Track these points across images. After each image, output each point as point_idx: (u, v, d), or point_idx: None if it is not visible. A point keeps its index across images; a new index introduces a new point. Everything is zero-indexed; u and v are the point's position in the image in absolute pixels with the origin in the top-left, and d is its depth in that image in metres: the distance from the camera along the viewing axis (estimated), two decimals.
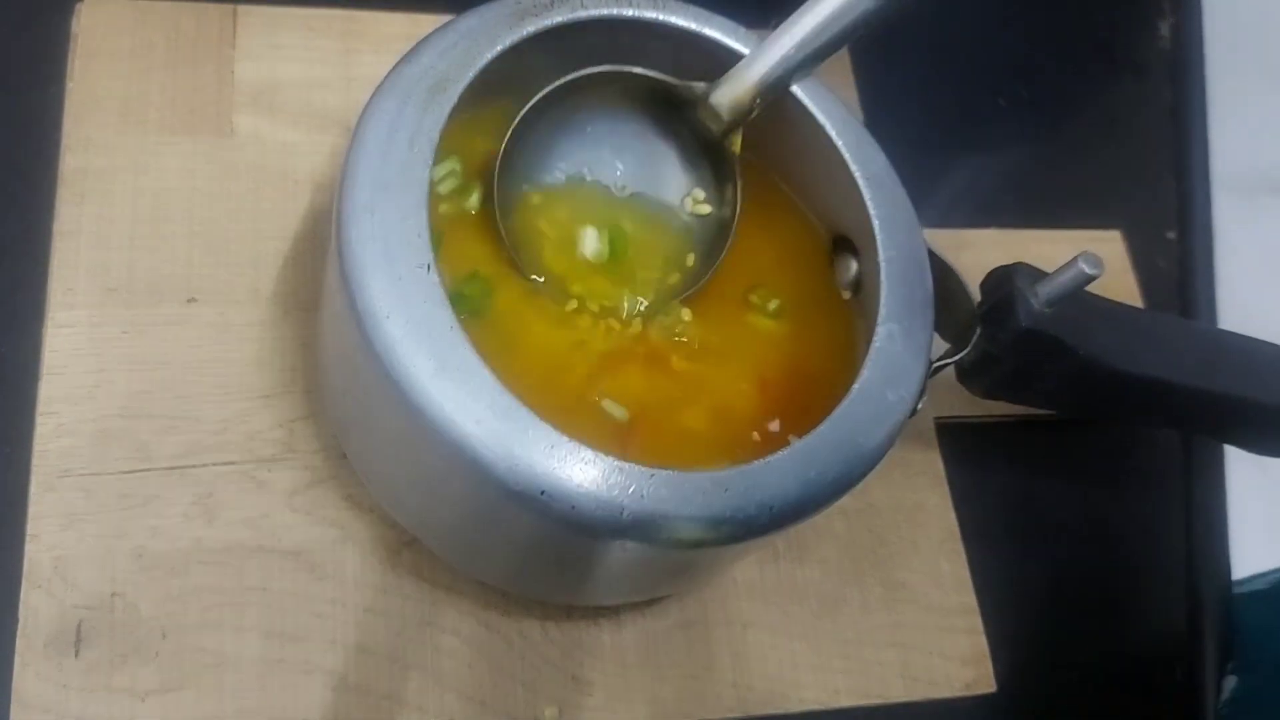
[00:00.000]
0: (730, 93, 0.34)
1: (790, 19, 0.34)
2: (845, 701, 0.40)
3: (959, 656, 0.42)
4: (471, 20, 0.33)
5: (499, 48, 0.32)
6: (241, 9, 0.46)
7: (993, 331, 0.37)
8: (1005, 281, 0.37)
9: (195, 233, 0.42)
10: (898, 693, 0.41)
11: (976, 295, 0.38)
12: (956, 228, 0.49)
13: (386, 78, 0.32)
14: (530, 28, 0.33)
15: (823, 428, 0.31)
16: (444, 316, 0.29)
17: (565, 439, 0.28)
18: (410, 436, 0.30)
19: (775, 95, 0.35)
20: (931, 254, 0.35)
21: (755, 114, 0.35)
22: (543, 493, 0.28)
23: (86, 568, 0.36)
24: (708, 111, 0.35)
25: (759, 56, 0.34)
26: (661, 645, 0.40)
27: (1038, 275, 0.36)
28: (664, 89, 0.35)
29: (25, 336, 0.39)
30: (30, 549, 0.36)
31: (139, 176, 0.42)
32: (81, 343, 0.39)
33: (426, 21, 0.47)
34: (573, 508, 0.28)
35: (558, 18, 0.33)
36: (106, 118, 0.43)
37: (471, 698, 0.37)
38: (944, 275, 0.36)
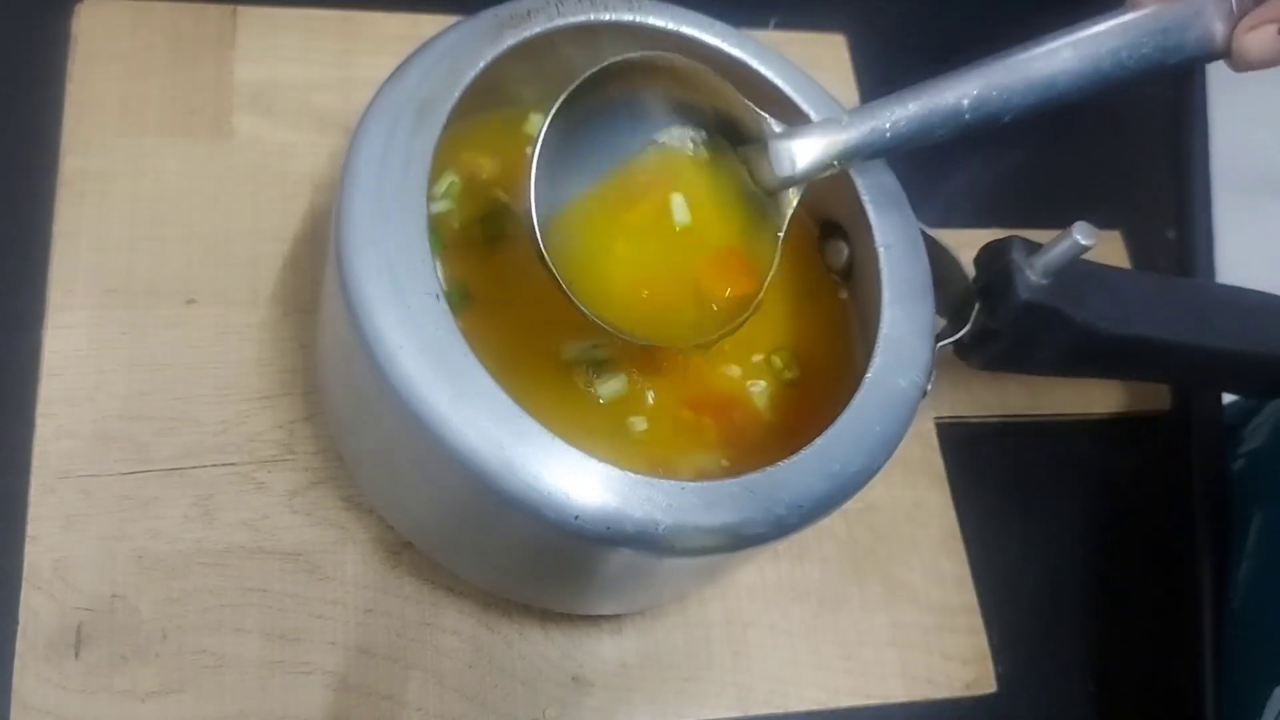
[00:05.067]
0: (816, 145, 0.32)
1: (914, 90, 0.32)
2: (845, 701, 0.40)
3: (959, 656, 0.42)
4: (451, 37, 0.33)
5: (482, 63, 0.32)
6: (241, 10, 0.46)
7: (991, 306, 0.37)
8: (1000, 256, 0.37)
9: (194, 234, 0.42)
10: (898, 693, 0.41)
11: (971, 271, 0.38)
12: (957, 228, 0.49)
13: (373, 101, 0.31)
14: (510, 40, 0.33)
15: (841, 420, 0.31)
16: (458, 344, 0.28)
17: (593, 460, 0.28)
18: (433, 467, 0.30)
19: (858, 163, 0.33)
20: (924, 234, 0.36)
21: (826, 176, 0.33)
22: (576, 517, 0.28)
23: (86, 569, 0.36)
24: (768, 155, 0.32)
25: (869, 115, 0.32)
26: (662, 645, 0.40)
27: (1032, 247, 0.37)
28: (724, 112, 0.32)
29: (25, 337, 0.39)
30: (30, 550, 0.36)
31: (138, 178, 0.42)
32: (81, 344, 0.39)
33: (425, 22, 0.48)
34: (608, 528, 0.28)
35: (536, 28, 0.33)
36: (106, 119, 0.43)
37: (472, 698, 0.37)
38: (938, 254, 0.36)
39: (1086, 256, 0.36)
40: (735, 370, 0.36)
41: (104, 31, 0.44)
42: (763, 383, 0.36)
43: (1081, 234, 0.34)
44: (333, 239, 0.30)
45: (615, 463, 0.29)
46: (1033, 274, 0.36)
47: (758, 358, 0.36)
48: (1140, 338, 0.39)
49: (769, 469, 0.30)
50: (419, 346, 0.28)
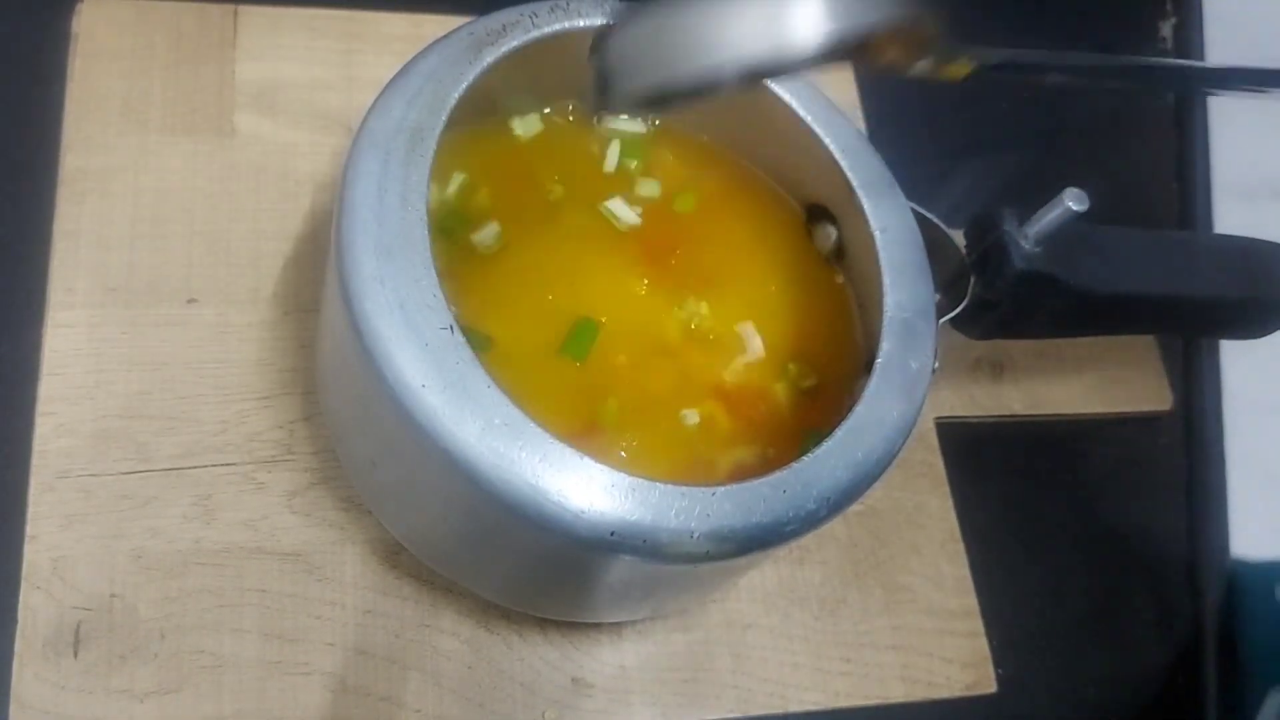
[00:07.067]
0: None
1: None
2: (845, 703, 0.40)
3: (959, 659, 0.42)
4: (431, 60, 0.33)
5: (464, 84, 0.32)
6: (243, 9, 0.46)
7: (988, 278, 0.37)
8: (992, 228, 0.37)
9: (195, 233, 0.42)
10: (898, 695, 0.41)
11: (962, 245, 0.38)
12: (958, 228, 0.49)
13: (361, 133, 0.31)
14: (490, 57, 0.32)
15: (859, 409, 0.31)
16: (479, 376, 0.28)
17: (626, 476, 0.28)
18: (465, 501, 0.30)
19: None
20: (915, 211, 0.36)
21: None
22: (613, 534, 0.28)
23: (85, 569, 0.36)
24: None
25: None
26: (661, 647, 0.40)
27: (1023, 216, 0.37)
28: None
29: (25, 336, 0.39)
30: (29, 549, 0.36)
31: (139, 176, 0.42)
32: (81, 343, 0.39)
33: (427, 22, 0.47)
34: (644, 541, 0.28)
35: (514, 41, 0.33)
36: (107, 117, 0.43)
37: (470, 699, 0.37)
38: (929, 230, 0.37)
39: None
40: (748, 363, 0.36)
41: (105, 30, 0.44)
42: (766, 363, 0.36)
43: (1073, 200, 0.35)
44: (339, 274, 0.29)
45: (645, 474, 0.29)
46: (1026, 243, 0.37)
47: (757, 345, 0.36)
48: (1132, 294, 0.39)
49: (795, 465, 0.30)
50: (442, 383, 0.28)
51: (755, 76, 0.25)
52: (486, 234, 0.35)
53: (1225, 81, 0.33)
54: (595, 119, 0.29)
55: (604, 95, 0.26)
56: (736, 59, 0.25)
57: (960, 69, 0.32)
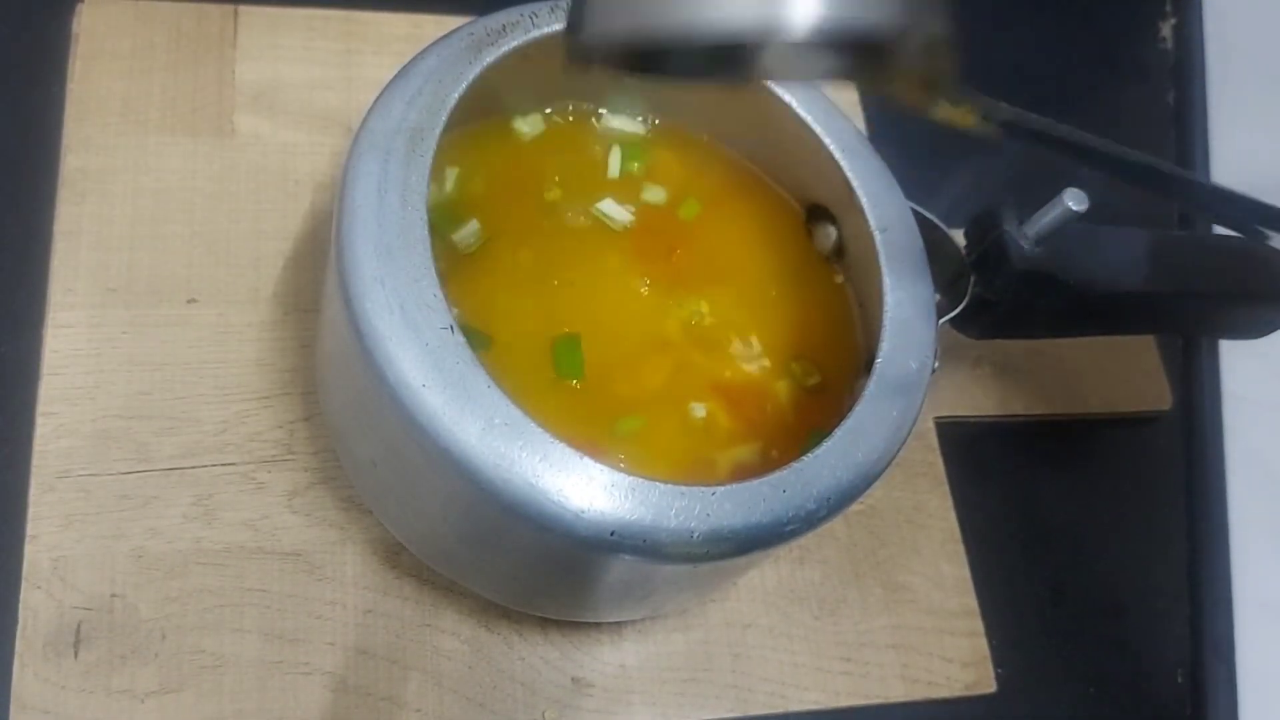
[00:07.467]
0: None
1: None
2: (846, 702, 0.40)
3: (959, 658, 0.42)
4: (431, 60, 0.33)
5: (464, 84, 0.32)
6: (242, 9, 0.46)
7: (987, 277, 0.37)
8: (991, 226, 0.37)
9: (196, 233, 0.42)
10: (898, 694, 0.41)
11: (961, 245, 0.39)
12: (958, 228, 0.49)
13: (360, 134, 0.31)
14: (489, 57, 0.33)
15: (859, 409, 0.31)
16: (479, 376, 0.28)
17: (626, 476, 0.28)
18: (465, 501, 0.30)
19: None
20: (915, 211, 0.36)
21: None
22: (613, 533, 0.28)
23: (86, 568, 0.36)
24: None
25: None
26: (661, 646, 0.40)
27: (1023, 215, 0.37)
28: None
29: (25, 336, 0.39)
30: (30, 549, 0.36)
31: (139, 176, 0.42)
32: (81, 343, 0.39)
33: (427, 22, 0.47)
34: (644, 541, 0.28)
35: (514, 41, 0.33)
36: (107, 118, 0.43)
37: (471, 699, 0.37)
38: (928, 230, 0.37)
39: None
40: (748, 362, 0.36)
41: (105, 30, 0.44)
42: (767, 362, 0.36)
43: (1073, 200, 0.35)
44: (339, 274, 0.29)
45: (644, 474, 0.29)
46: (1026, 243, 0.37)
47: (757, 343, 0.37)
48: (1132, 294, 0.39)
49: (795, 464, 0.30)
50: (443, 383, 0.28)
51: (736, 47, 0.23)
52: (466, 232, 0.35)
53: (1232, 213, 0.33)
54: (565, 69, 0.27)
55: (574, 39, 0.24)
56: (721, 20, 0.22)
57: (966, 116, 0.32)
